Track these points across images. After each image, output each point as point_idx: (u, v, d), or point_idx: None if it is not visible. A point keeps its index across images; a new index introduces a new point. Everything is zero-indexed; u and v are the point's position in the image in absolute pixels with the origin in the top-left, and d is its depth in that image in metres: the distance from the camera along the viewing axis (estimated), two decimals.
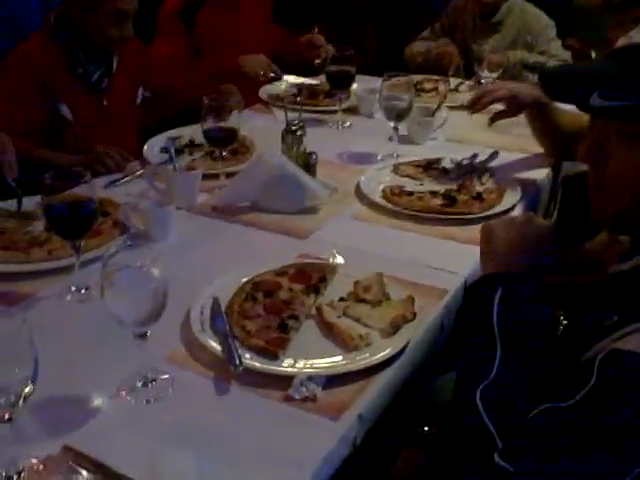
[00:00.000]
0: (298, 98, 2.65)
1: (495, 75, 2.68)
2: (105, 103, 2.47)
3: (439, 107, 2.48)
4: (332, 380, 1.26)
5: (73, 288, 1.54)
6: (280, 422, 1.18)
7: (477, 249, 1.31)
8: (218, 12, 2.97)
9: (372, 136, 2.43)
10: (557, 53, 3.15)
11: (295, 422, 1.18)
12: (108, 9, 2.29)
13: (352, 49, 2.47)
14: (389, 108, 2.18)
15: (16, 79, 2.28)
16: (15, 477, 1.03)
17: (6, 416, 0.99)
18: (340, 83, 2.50)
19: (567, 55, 3.19)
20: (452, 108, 2.62)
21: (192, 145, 2.30)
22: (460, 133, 2.46)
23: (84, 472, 1.02)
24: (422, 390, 1.59)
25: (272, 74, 2.84)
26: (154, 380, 1.25)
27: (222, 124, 1.98)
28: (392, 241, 1.79)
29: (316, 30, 3.00)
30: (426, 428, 1.53)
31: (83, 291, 1.53)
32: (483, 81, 2.71)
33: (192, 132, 2.34)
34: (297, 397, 1.22)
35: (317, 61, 2.92)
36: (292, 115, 2.15)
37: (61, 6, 2.36)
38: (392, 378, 1.30)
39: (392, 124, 2.22)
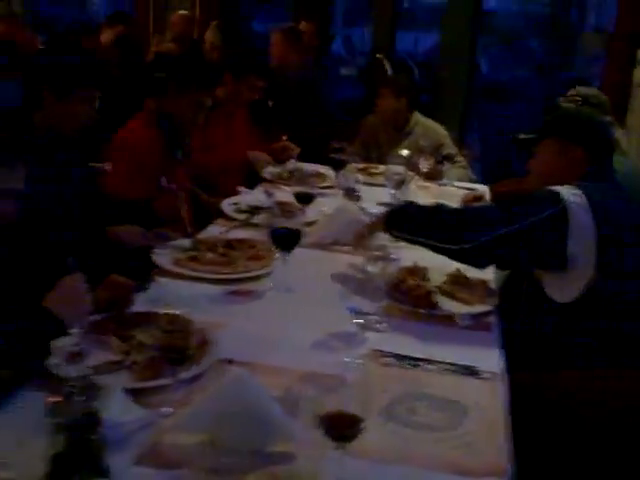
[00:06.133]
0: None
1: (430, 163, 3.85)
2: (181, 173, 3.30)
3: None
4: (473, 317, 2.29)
5: (271, 284, 2.43)
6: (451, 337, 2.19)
7: None
8: (221, 118, 3.92)
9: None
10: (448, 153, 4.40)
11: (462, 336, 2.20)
12: (194, 100, 3.16)
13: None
14: (396, 180, 3.28)
15: (129, 159, 3.04)
16: None
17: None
18: (339, 166, 3.56)
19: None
20: None
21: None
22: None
23: None
24: None
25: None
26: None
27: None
28: None
29: (285, 138, 4.06)
30: None
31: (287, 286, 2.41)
32: (420, 167, 3.88)
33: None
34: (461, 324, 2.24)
35: (292, 160, 3.96)
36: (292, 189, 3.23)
37: (157, 95, 3.19)
38: None
39: (393, 192, 3.31)
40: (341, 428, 1.36)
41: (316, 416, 1.38)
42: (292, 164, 3.95)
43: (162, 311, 2.05)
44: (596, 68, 13.80)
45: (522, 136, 2.57)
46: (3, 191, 1.77)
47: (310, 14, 6.32)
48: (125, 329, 1.97)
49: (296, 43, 5.36)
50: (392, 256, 2.10)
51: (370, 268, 2.04)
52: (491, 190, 3.92)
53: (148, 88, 3.27)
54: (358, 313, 1.95)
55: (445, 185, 3.98)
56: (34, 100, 2.46)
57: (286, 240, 2.37)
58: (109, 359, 1.84)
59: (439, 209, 2.38)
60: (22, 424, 1.49)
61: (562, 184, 2.23)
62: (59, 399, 1.35)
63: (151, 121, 3.19)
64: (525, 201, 2.22)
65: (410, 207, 2.44)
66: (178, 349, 1.61)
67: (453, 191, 3.88)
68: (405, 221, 2.35)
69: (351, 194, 3.11)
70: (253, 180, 3.79)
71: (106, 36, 6.22)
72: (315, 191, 3.03)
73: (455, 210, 2.43)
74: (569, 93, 3.65)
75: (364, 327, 2.05)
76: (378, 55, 6.24)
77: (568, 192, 2.16)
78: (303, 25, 5.86)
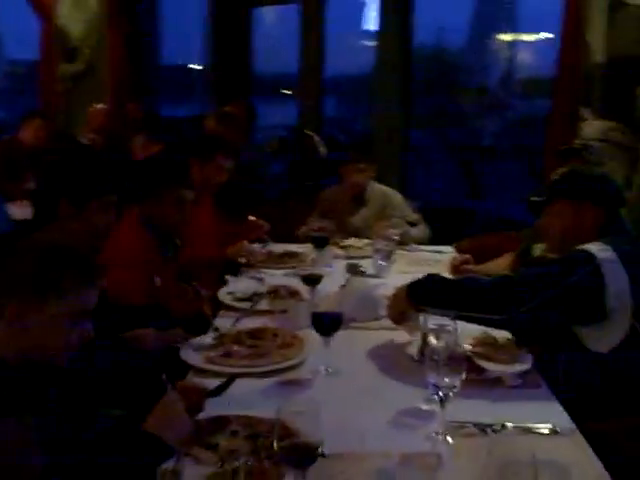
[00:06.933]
0: None
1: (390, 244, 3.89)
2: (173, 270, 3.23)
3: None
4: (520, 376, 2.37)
5: (317, 369, 2.42)
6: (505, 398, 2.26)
7: None
8: None
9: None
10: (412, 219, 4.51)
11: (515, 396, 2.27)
12: (173, 197, 3.09)
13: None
14: (385, 251, 3.37)
15: (123, 268, 2.86)
16: None
17: None
18: (322, 244, 3.62)
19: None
20: None
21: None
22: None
23: None
24: None
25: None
26: None
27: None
28: None
29: (252, 217, 4.07)
30: None
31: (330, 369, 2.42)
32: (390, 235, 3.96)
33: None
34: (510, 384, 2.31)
35: (266, 237, 3.98)
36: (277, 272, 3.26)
37: (137, 200, 3.13)
38: None
39: (384, 263, 3.40)
40: None
41: None
42: (265, 248, 3.98)
43: (234, 414, 2.04)
44: (483, 120, 14.65)
45: (533, 199, 2.69)
46: (86, 311, 1.73)
47: (233, 95, 6.43)
48: (205, 437, 1.92)
49: (231, 125, 5.42)
50: (449, 327, 2.15)
51: (433, 340, 2.07)
52: (457, 248, 4.08)
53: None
54: (434, 386, 1.98)
55: (413, 250, 4.10)
56: (47, 214, 2.40)
57: (329, 325, 2.39)
58: (207, 472, 1.78)
59: (472, 280, 2.48)
60: None
61: (582, 242, 2.39)
62: None
63: (138, 227, 3.12)
64: (561, 263, 2.35)
65: (436, 280, 2.51)
66: (306, 449, 1.59)
67: (426, 254, 4.01)
68: (436, 294, 2.42)
69: (355, 270, 3.16)
70: (232, 267, 3.78)
71: (27, 133, 6.17)
72: (317, 271, 3.05)
73: (492, 280, 2.50)
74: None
75: (433, 400, 2.08)
76: (307, 132, 6.38)
77: (598, 249, 2.32)
78: (231, 108, 5.93)
